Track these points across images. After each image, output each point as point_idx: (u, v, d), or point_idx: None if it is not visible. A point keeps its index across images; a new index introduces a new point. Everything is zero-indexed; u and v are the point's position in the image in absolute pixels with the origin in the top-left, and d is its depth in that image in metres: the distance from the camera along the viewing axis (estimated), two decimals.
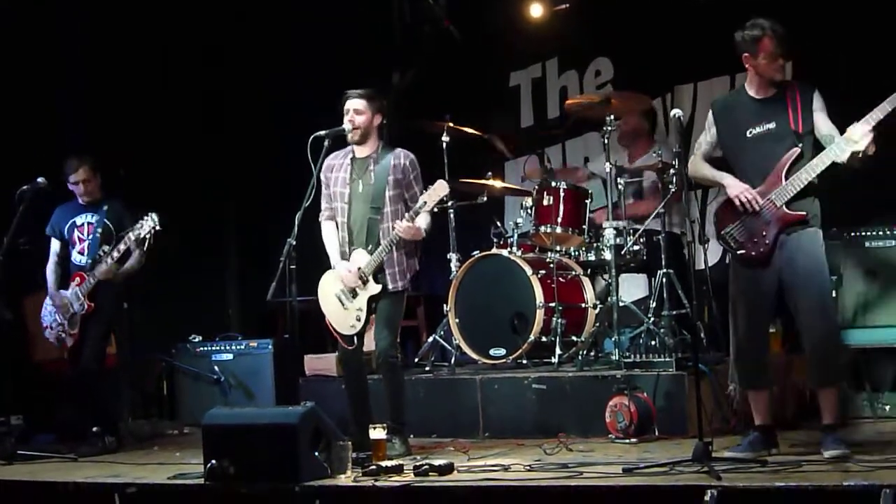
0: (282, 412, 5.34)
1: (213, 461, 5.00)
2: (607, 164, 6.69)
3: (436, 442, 6.28)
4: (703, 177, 5.39)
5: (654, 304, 6.61)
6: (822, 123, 5.06)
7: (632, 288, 7.24)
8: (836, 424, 5.04)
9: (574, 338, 6.75)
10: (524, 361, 6.75)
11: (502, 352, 6.77)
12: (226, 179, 8.95)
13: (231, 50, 8.90)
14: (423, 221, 5.74)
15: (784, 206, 5.01)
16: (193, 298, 8.50)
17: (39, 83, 7.98)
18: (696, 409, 5.05)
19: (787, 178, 5.00)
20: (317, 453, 4.99)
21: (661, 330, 6.45)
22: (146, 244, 6.67)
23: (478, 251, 7.05)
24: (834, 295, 5.96)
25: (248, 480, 4.97)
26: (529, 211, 6.94)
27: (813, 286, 5.01)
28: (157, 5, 8.30)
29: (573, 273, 6.97)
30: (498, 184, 7.37)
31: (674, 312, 6.53)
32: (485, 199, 7.32)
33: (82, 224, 6.94)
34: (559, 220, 6.74)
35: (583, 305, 6.89)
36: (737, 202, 5.08)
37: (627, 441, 5.79)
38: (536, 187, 6.95)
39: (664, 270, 6.55)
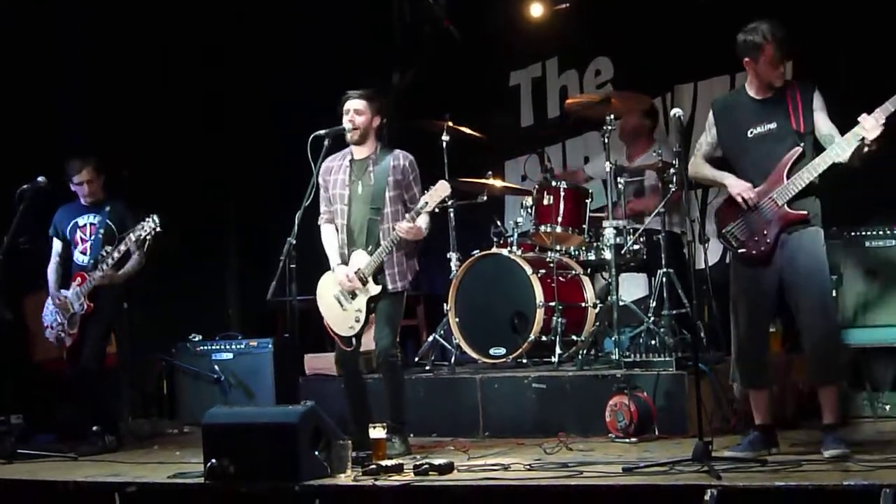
0: (282, 411, 5.35)
1: (213, 460, 5.00)
2: (607, 163, 6.69)
3: (436, 441, 6.28)
4: (704, 177, 5.38)
5: (654, 304, 6.61)
6: (823, 123, 5.05)
7: (632, 287, 7.24)
8: (836, 424, 5.04)
9: (574, 337, 6.76)
10: (524, 361, 6.75)
11: (502, 351, 6.77)
12: (226, 179, 8.94)
13: (231, 50, 8.90)
14: (423, 222, 5.74)
15: (785, 206, 5.01)
16: (193, 298, 8.50)
17: (39, 83, 7.97)
18: (696, 409, 5.04)
19: (788, 178, 5.00)
20: (317, 452, 4.99)
21: (661, 329, 6.45)
22: (146, 246, 6.68)
23: (478, 250, 7.04)
24: (834, 294, 5.97)
25: (248, 479, 4.97)
26: (529, 210, 6.94)
27: (814, 285, 5.01)
28: (157, 5, 8.29)
29: (573, 272, 6.97)
30: (498, 183, 7.38)
31: (674, 312, 6.53)
32: (485, 198, 7.33)
33: (84, 224, 6.93)
34: (559, 219, 6.74)
35: (583, 305, 6.90)
36: (739, 199, 5.08)
37: (627, 440, 5.79)
38: (536, 187, 6.95)
39: (664, 270, 6.55)
